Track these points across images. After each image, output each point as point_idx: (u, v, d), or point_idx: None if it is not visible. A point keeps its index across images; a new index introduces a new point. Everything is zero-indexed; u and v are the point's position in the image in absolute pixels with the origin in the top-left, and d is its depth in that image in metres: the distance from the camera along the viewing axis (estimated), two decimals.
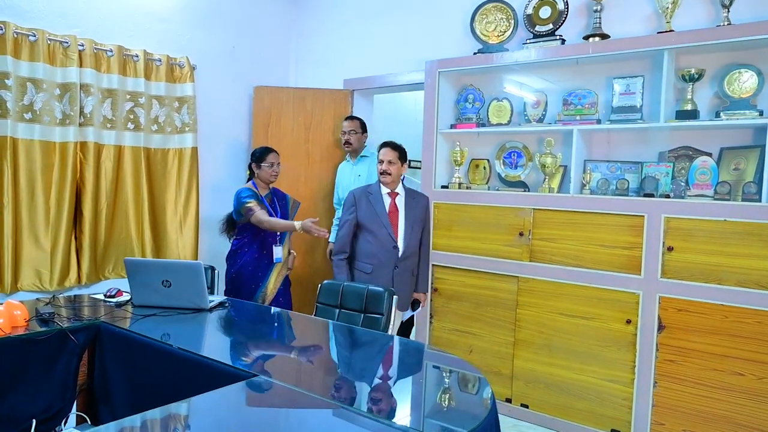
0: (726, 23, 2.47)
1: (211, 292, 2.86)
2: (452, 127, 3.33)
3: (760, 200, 2.35)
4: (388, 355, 2.04)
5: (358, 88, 4.10)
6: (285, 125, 4.05)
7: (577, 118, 2.89)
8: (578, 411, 2.79)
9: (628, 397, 2.64)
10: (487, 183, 3.35)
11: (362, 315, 2.47)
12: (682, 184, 2.56)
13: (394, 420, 1.41)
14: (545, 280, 2.87)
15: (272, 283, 3.06)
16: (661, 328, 2.55)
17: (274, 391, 1.57)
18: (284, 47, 4.39)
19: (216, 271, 2.98)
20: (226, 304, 2.53)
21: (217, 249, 3.82)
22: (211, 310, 2.40)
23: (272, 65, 4.31)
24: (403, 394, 1.68)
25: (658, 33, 2.63)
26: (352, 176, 3.63)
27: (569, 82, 3.04)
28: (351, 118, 3.70)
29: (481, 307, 3.09)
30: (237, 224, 3.08)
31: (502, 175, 3.30)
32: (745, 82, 2.48)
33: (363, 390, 1.67)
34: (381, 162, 2.92)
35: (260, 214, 2.92)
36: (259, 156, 3.10)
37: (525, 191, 3.09)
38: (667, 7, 2.61)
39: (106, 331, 2.11)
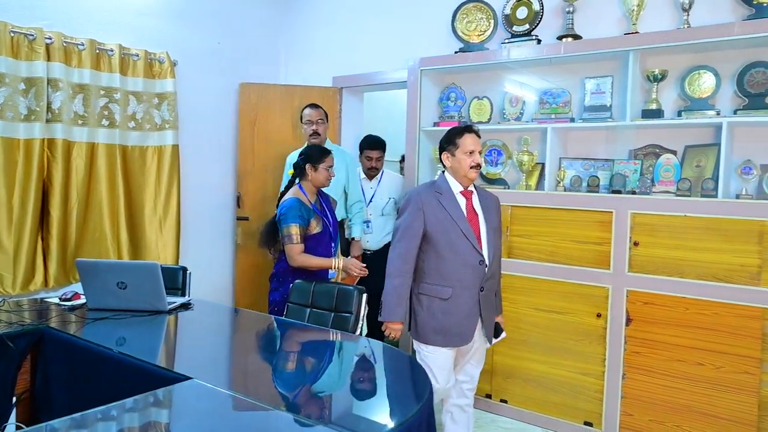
0: (686, 26, 2.97)
1: (182, 294, 3.09)
2: (435, 125, 3.83)
3: (716, 196, 2.82)
4: (334, 355, 2.35)
5: (347, 85, 4.59)
6: (272, 123, 4.48)
7: (552, 116, 3.39)
8: (554, 404, 3.25)
9: (600, 390, 3.11)
10: None
11: (332, 314, 2.76)
12: (648, 181, 3.06)
13: (328, 419, 1.66)
14: (523, 276, 3.34)
15: None
16: (628, 321, 3.03)
17: (205, 395, 1.76)
18: (273, 43, 4.87)
19: (188, 272, 3.18)
20: (190, 306, 2.79)
21: (201, 250, 4.32)
22: (170, 312, 2.63)
23: (260, 61, 4.76)
24: (339, 393, 1.95)
25: (625, 34, 3.13)
26: None
27: (545, 81, 3.53)
28: (315, 105, 3.82)
29: None
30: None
31: (483, 173, 3.79)
32: (704, 83, 2.97)
33: (297, 391, 1.91)
34: (474, 155, 2.61)
35: (294, 250, 2.95)
36: (317, 157, 3.09)
37: (505, 188, 3.59)
38: (633, 10, 3.11)
39: (50, 336, 2.26)
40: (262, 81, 4.64)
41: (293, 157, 3.80)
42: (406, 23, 4.22)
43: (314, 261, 3.00)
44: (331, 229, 3.16)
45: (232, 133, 4.58)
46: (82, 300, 2.76)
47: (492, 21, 3.70)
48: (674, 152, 3.10)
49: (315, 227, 3.05)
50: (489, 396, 3.48)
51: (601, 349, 3.10)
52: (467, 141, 2.60)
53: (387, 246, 3.53)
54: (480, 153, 2.63)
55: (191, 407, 1.75)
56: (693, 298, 2.86)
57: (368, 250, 4.08)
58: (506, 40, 3.56)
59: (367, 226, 4.04)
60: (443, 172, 2.71)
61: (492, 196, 2.79)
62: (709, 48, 2.95)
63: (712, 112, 2.92)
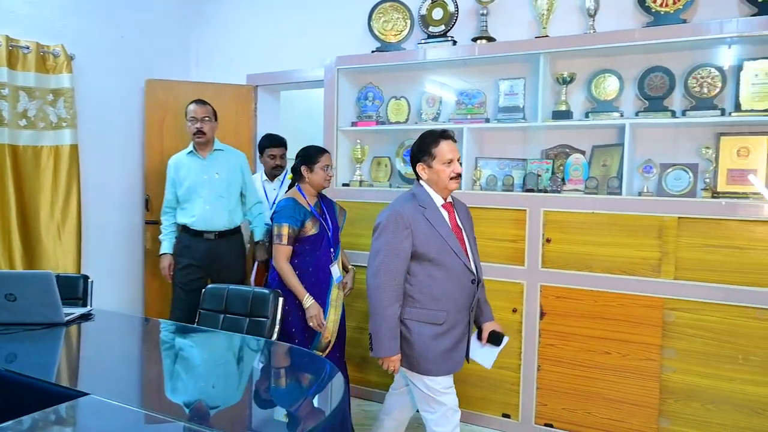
0: (592, 31, 3.11)
1: (83, 304, 2.91)
2: (353, 124, 3.80)
3: (621, 194, 2.98)
4: (243, 361, 2.29)
5: (263, 83, 4.47)
6: (183, 122, 4.22)
7: (468, 117, 3.45)
8: (475, 399, 3.30)
9: (516, 382, 3.20)
10: (389, 180, 3.86)
11: (247, 319, 2.70)
12: (559, 179, 3.19)
13: (230, 429, 1.63)
14: None
15: (333, 315, 2.98)
16: (542, 315, 3.14)
17: (102, 411, 1.67)
18: (183, 38, 4.66)
19: (90, 281, 2.99)
20: (91, 317, 2.64)
21: (106, 257, 4.07)
22: (68, 324, 2.48)
23: (169, 57, 4.56)
24: (244, 400, 1.89)
25: (536, 38, 3.23)
26: (205, 175, 3.50)
27: (461, 82, 3.59)
28: (201, 102, 3.52)
29: None
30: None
31: (403, 173, 3.81)
32: (609, 86, 3.13)
33: (198, 401, 1.84)
34: (453, 163, 2.40)
35: (280, 250, 2.87)
36: (312, 156, 2.97)
37: None
38: (543, 14, 3.22)
39: None
40: (170, 77, 4.43)
41: (177, 159, 3.57)
42: (323, 21, 4.16)
43: (292, 280, 2.87)
44: (330, 233, 3.01)
45: (138, 133, 4.35)
46: None
47: (408, 21, 3.72)
48: (583, 152, 3.25)
49: (311, 229, 2.94)
50: None
51: (517, 343, 3.20)
52: (444, 149, 2.38)
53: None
54: (459, 161, 2.42)
55: (85, 426, 1.66)
56: (601, 291, 3.00)
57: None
58: (422, 41, 3.59)
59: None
60: (418, 181, 2.48)
61: (463, 204, 2.62)
62: (613, 52, 3.10)
63: (616, 114, 3.08)
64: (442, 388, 2.40)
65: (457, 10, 3.50)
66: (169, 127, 4.28)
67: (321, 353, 2.94)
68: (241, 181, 3.62)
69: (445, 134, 2.43)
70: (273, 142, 3.89)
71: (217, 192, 3.50)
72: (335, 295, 2.99)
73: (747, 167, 2.84)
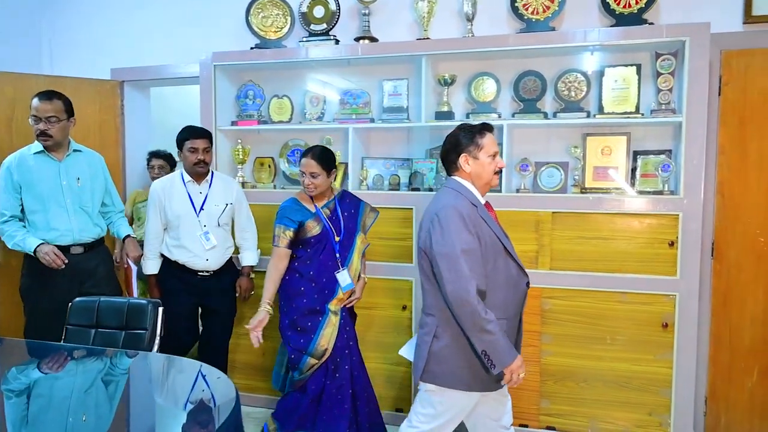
0: (470, 35, 3.23)
1: None
2: (233, 123, 3.63)
3: (501, 191, 3.12)
4: (116, 378, 2.15)
5: (130, 78, 4.14)
6: None
7: (353, 116, 3.44)
8: None
9: (408, 377, 3.25)
10: (273, 182, 3.75)
11: (123, 332, 2.51)
12: (443, 178, 3.29)
13: None
14: None
15: (331, 323, 2.81)
16: None
17: None
18: (33, 26, 4.19)
19: None
20: None
21: None
22: None
23: (16, 47, 4.07)
24: (121, 419, 1.79)
25: (417, 39, 3.30)
26: (64, 180, 3.02)
27: (346, 81, 3.57)
28: (47, 96, 2.96)
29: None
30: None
31: (287, 173, 3.72)
32: (487, 88, 3.27)
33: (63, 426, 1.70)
34: (497, 158, 2.27)
35: (275, 251, 2.82)
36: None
37: None
38: (424, 17, 3.29)
39: None
40: (18, 70, 3.96)
41: (19, 159, 2.99)
42: (198, 13, 3.92)
43: (267, 282, 2.82)
44: (336, 236, 2.84)
45: None
46: None
47: (289, 18, 3.62)
48: None
49: (311, 230, 2.83)
50: None
51: (407, 338, 3.20)
52: (490, 141, 2.22)
53: (228, 265, 3.22)
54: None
55: None
56: None
57: (207, 271, 3.12)
58: (304, 39, 3.52)
59: (207, 239, 3.09)
60: (448, 178, 2.29)
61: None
62: (490, 56, 3.24)
63: (494, 115, 3.22)
64: (459, 409, 2.23)
65: (339, 9, 3.47)
66: (20, 125, 3.81)
67: (316, 361, 2.79)
68: (103, 187, 3.21)
69: (489, 126, 2.28)
70: (193, 133, 3.14)
71: (79, 201, 3.06)
72: (335, 304, 2.82)
73: (610, 164, 3.10)
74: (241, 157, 3.56)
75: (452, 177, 2.27)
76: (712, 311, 3.11)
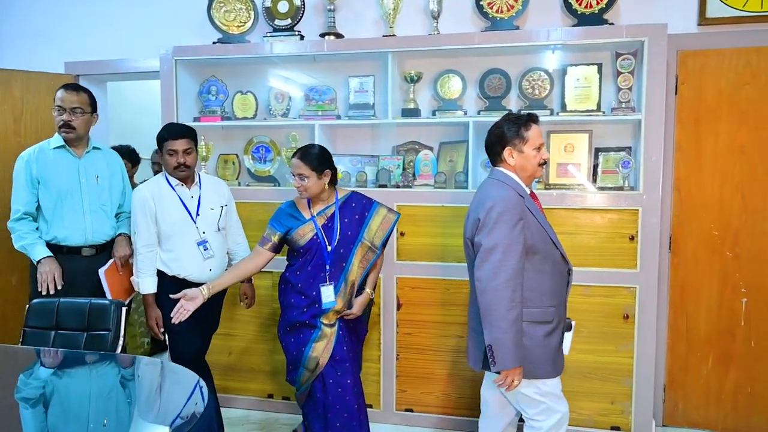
0: (436, 32, 3.25)
1: None
2: (196, 120, 3.55)
3: (467, 187, 3.16)
4: (90, 381, 2.12)
5: (85, 73, 4.01)
6: None
7: (319, 113, 3.42)
8: None
9: (377, 373, 3.25)
10: (237, 179, 3.69)
11: (85, 334, 2.43)
12: (410, 175, 3.30)
13: None
14: None
15: (326, 336, 2.61)
16: (399, 305, 3.22)
17: None
18: None
19: None
20: None
21: None
22: None
23: None
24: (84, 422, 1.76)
25: (383, 36, 3.30)
26: (83, 178, 2.92)
27: (311, 78, 3.54)
28: (73, 88, 2.90)
29: (237, 306, 3.41)
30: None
31: (252, 170, 3.67)
32: (453, 86, 3.30)
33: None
34: (543, 149, 2.29)
35: (255, 250, 2.69)
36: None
37: (275, 186, 3.52)
38: (389, 14, 3.29)
39: None
40: None
41: (38, 154, 2.88)
42: (158, 5, 3.83)
43: (229, 273, 2.72)
44: (324, 243, 2.61)
45: None
46: None
47: (252, 12, 3.56)
48: (431, 148, 3.38)
49: (301, 237, 2.63)
50: (271, 396, 3.41)
51: (377, 334, 3.26)
52: (535, 133, 2.24)
53: None
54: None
55: None
56: (452, 279, 3.16)
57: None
58: (268, 34, 3.47)
59: (205, 248, 2.84)
60: (493, 170, 2.32)
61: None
62: (455, 54, 3.27)
63: (460, 112, 3.25)
64: (558, 390, 2.30)
65: (304, 5, 3.43)
66: None
67: (310, 373, 2.62)
68: (121, 187, 3.08)
69: (535, 117, 2.28)
70: (171, 133, 2.79)
71: (99, 200, 2.94)
72: (329, 318, 2.62)
73: (572, 161, 3.17)
74: (204, 153, 3.48)
75: (497, 168, 2.32)
76: (670, 302, 3.23)
